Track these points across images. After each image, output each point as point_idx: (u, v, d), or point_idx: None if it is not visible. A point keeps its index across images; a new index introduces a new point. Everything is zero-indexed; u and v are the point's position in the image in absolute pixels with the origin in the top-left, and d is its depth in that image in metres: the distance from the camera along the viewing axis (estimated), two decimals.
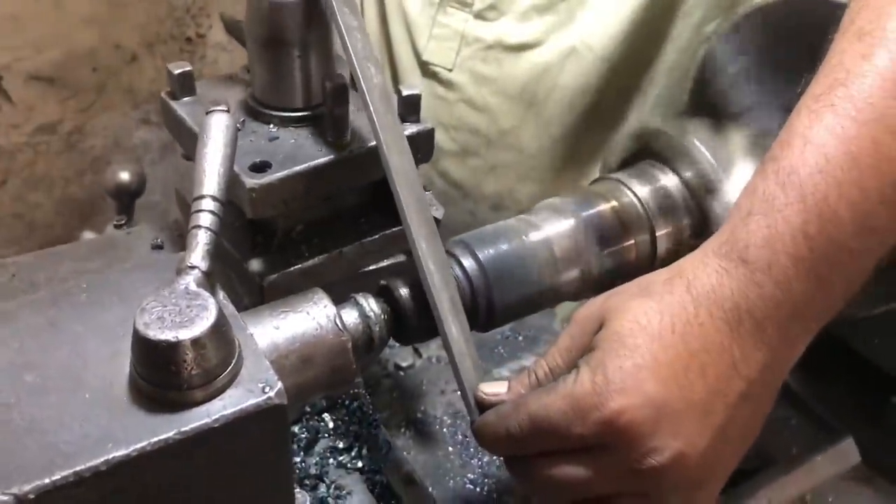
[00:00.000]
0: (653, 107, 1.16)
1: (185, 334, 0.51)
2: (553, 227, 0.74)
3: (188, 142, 0.79)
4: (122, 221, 1.08)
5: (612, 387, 0.57)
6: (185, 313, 0.52)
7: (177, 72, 0.80)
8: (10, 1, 1.84)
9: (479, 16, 1.14)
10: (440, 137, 1.21)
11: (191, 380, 0.52)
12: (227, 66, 2.16)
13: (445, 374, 1.04)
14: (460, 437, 0.97)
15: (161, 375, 0.52)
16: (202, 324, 0.52)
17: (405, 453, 0.93)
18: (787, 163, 0.60)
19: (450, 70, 1.17)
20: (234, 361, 0.54)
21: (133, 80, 2.11)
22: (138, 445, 0.50)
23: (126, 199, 1.14)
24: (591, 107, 1.15)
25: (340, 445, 0.86)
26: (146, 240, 0.87)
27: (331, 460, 0.85)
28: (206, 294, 0.54)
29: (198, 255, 0.56)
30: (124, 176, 1.13)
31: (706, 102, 0.92)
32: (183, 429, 0.51)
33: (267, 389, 0.54)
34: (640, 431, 0.57)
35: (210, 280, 0.57)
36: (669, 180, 0.78)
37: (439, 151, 1.20)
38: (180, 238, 0.88)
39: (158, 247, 0.86)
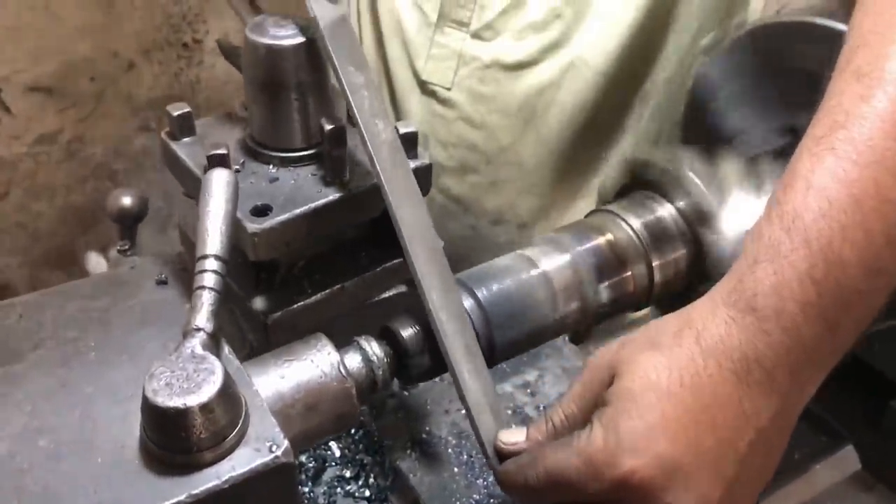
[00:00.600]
0: (649, 120, 1.17)
1: (194, 400, 0.52)
2: (551, 263, 0.75)
3: (188, 181, 0.80)
4: (126, 246, 1.09)
5: (623, 447, 0.59)
6: (193, 378, 0.53)
7: (176, 113, 0.80)
8: (6, 13, 1.84)
9: (477, 35, 1.15)
10: (439, 154, 1.21)
11: (200, 443, 0.53)
12: (223, 71, 2.16)
13: (449, 394, 1.05)
14: (465, 457, 0.98)
15: (171, 440, 0.53)
16: (209, 388, 0.53)
17: (411, 475, 0.94)
18: (791, 207, 0.61)
19: (448, 89, 1.18)
20: (241, 421, 0.56)
21: (131, 88, 2.11)
22: None
23: (129, 224, 1.15)
24: (589, 121, 1.16)
25: (347, 474, 0.87)
26: (150, 275, 0.88)
27: (338, 489, 0.86)
28: (212, 357, 0.55)
29: (202, 316, 0.58)
30: (126, 201, 1.14)
31: (699, 125, 0.93)
32: (193, 492, 0.53)
33: (274, 448, 0.55)
34: (653, 489, 0.58)
35: (215, 339, 0.58)
36: (664, 211, 0.79)
37: (439, 168, 1.21)
38: (183, 272, 0.89)
39: (163, 282, 0.87)
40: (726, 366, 0.60)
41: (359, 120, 0.72)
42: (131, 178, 2.20)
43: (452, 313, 0.70)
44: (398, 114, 1.25)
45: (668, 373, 0.60)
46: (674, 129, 1.23)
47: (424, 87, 1.20)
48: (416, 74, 1.20)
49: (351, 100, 0.72)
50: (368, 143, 0.72)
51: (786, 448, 0.64)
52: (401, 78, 1.22)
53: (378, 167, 0.71)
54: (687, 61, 1.16)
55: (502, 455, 0.68)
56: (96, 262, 1.18)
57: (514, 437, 0.68)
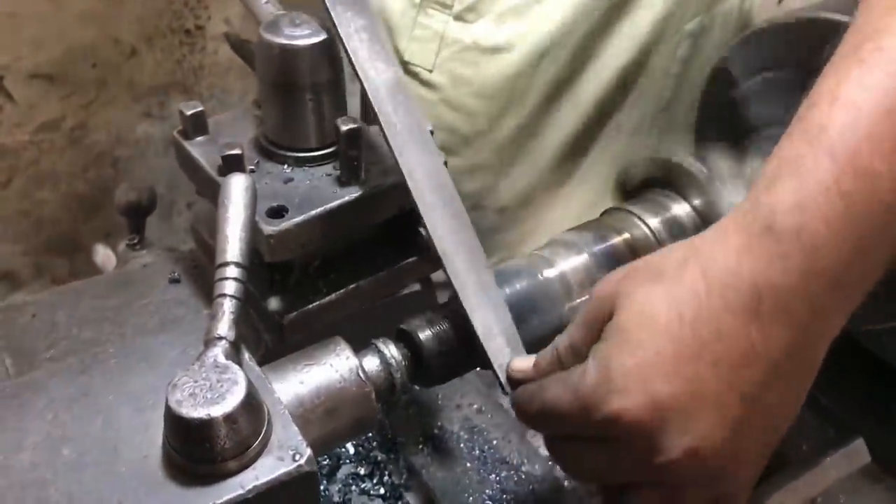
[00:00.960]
0: (630, 106, 1.18)
1: (218, 411, 0.52)
2: (568, 263, 0.75)
3: (202, 181, 0.80)
4: (135, 241, 1.09)
5: (612, 386, 0.57)
6: (216, 388, 0.53)
7: (189, 112, 0.80)
8: (7, 0, 1.83)
9: (459, 17, 1.15)
10: None
11: (224, 453, 0.53)
12: (226, 57, 2.15)
13: (461, 389, 1.05)
14: (477, 451, 0.98)
15: (195, 450, 0.53)
16: (233, 399, 0.53)
17: (424, 471, 0.94)
18: (816, 121, 0.57)
19: (430, 71, 1.18)
20: (264, 430, 0.56)
21: (133, 75, 2.10)
22: None
23: (137, 218, 1.15)
24: (568, 106, 1.17)
25: (362, 472, 0.87)
26: (163, 273, 0.88)
27: (353, 487, 0.86)
28: (235, 367, 0.55)
29: (224, 325, 0.57)
30: (134, 196, 1.14)
31: (717, 118, 0.92)
32: (217, 502, 0.53)
33: (297, 457, 0.55)
34: (644, 431, 0.56)
35: (236, 347, 0.58)
36: (681, 209, 0.79)
37: None
38: (195, 270, 0.89)
39: (175, 280, 0.87)
40: (733, 298, 0.55)
41: (355, 64, 0.71)
42: (134, 165, 2.19)
43: (461, 241, 0.70)
44: None
45: (667, 307, 0.57)
46: (657, 116, 1.23)
47: (407, 69, 1.19)
48: (398, 55, 1.19)
49: (346, 45, 0.71)
50: (366, 87, 0.70)
51: (809, 386, 0.59)
52: None
53: (377, 109, 0.70)
54: (670, 46, 1.17)
55: (513, 382, 0.68)
56: (104, 255, 1.17)
57: (523, 364, 0.68)
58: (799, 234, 0.55)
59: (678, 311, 0.57)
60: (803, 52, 0.83)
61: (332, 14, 0.72)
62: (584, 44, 1.14)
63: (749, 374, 0.56)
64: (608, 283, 0.62)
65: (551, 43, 1.13)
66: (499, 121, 1.19)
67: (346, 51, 0.72)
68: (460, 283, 0.70)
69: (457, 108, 1.19)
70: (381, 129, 0.72)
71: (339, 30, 0.72)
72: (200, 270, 0.88)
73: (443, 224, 0.71)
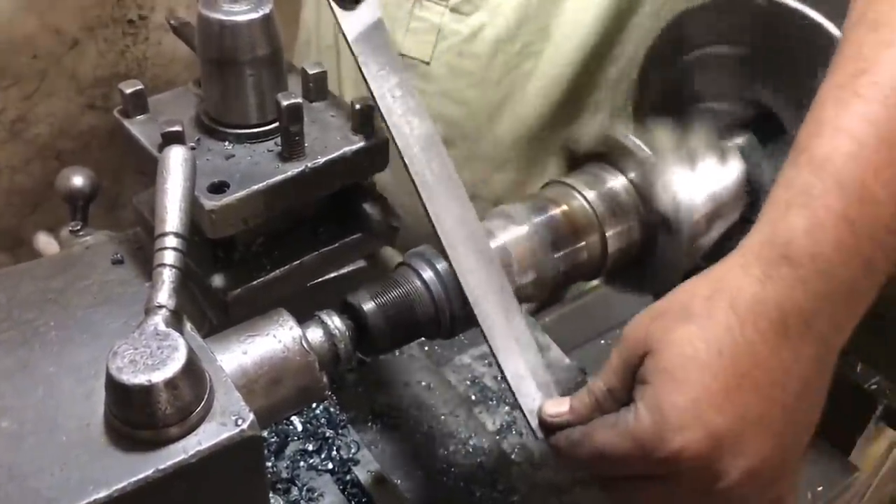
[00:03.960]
0: (623, 98, 1.19)
1: (159, 376, 0.53)
2: (508, 234, 0.76)
3: (142, 159, 0.80)
4: (78, 227, 1.08)
5: (670, 425, 0.60)
6: (157, 355, 0.54)
7: (128, 91, 0.80)
8: None
9: (455, 9, 1.15)
10: None
11: (166, 419, 0.54)
12: (171, 48, 2.12)
13: (408, 366, 1.06)
14: (425, 427, 1.00)
15: (137, 416, 0.54)
16: (174, 364, 0.53)
17: (372, 447, 0.95)
18: (820, 151, 0.62)
19: (427, 63, 1.18)
20: (206, 396, 0.56)
21: (76, 66, 2.06)
22: (119, 486, 0.52)
23: (80, 203, 1.14)
24: (566, 94, 1.18)
25: (310, 448, 0.88)
26: (106, 255, 0.87)
27: (301, 463, 0.87)
28: (176, 333, 0.55)
29: (164, 293, 0.58)
30: (77, 180, 1.12)
31: (660, 81, 0.93)
32: (160, 466, 0.53)
33: (240, 422, 0.56)
34: (704, 462, 0.60)
35: (177, 316, 0.59)
36: (617, 182, 0.81)
37: None
38: (139, 251, 0.88)
39: (119, 261, 0.86)
40: (763, 326, 0.60)
41: (388, 123, 0.73)
42: (78, 157, 2.15)
43: (491, 285, 0.71)
44: None
45: (706, 345, 0.61)
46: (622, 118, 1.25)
47: (404, 61, 1.20)
48: (395, 48, 1.20)
49: (380, 105, 0.73)
50: (398, 143, 0.72)
51: (829, 386, 0.64)
52: None
53: (409, 161, 0.72)
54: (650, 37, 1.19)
55: (547, 426, 0.69)
56: (46, 243, 1.16)
57: (557, 408, 0.69)
58: (814, 259, 0.60)
59: (717, 347, 0.61)
60: (736, 29, 0.85)
61: (365, 73, 0.74)
62: (587, 37, 1.14)
63: (785, 391, 0.61)
64: (638, 327, 0.65)
65: (551, 33, 1.14)
66: (497, 112, 1.20)
67: (378, 110, 0.74)
68: (489, 327, 0.71)
69: (455, 100, 1.20)
70: (413, 182, 0.72)
71: (373, 90, 0.74)
72: (144, 252, 0.87)
73: (473, 272, 0.71)
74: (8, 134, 2.03)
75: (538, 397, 0.70)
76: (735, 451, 0.61)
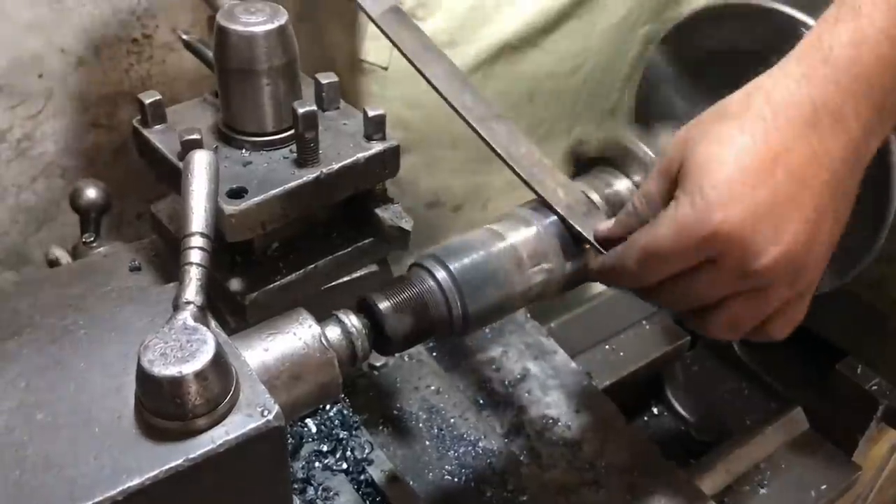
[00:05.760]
0: (584, 106, 1.21)
1: (188, 368, 0.55)
2: (518, 236, 0.78)
3: (162, 167, 0.82)
4: (91, 239, 1.10)
5: (710, 202, 0.65)
6: (186, 348, 0.56)
7: (148, 101, 0.82)
8: None
9: (411, 14, 1.17)
10: None
11: (195, 410, 0.56)
12: (175, 66, 2.15)
13: (418, 371, 1.08)
14: (436, 430, 1.02)
15: (167, 408, 0.55)
16: (203, 357, 0.55)
17: (385, 450, 0.97)
18: None
19: (385, 69, 1.20)
20: (232, 389, 0.58)
21: (81, 85, 2.09)
22: (151, 474, 0.54)
23: (94, 216, 1.16)
24: (523, 97, 1.20)
25: (324, 448, 0.90)
26: (123, 262, 0.89)
27: (316, 463, 0.89)
28: (204, 328, 0.57)
29: (192, 290, 0.60)
30: (91, 193, 1.15)
31: (649, 112, 0.97)
32: (190, 456, 0.55)
33: (265, 413, 0.58)
34: (742, 237, 0.65)
35: (204, 312, 0.61)
36: (622, 185, 0.83)
37: None
38: (156, 258, 0.90)
39: (136, 269, 0.88)
40: (795, 116, 0.66)
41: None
42: (82, 175, 2.17)
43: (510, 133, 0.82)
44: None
45: (740, 132, 0.66)
46: (605, 115, 1.28)
47: (361, 67, 1.22)
48: (352, 54, 1.22)
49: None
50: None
51: (855, 195, 0.70)
52: (338, 60, 1.23)
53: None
54: (622, 48, 1.22)
55: (600, 242, 0.77)
56: (60, 256, 1.18)
57: (605, 224, 0.77)
58: (852, 64, 0.65)
59: (751, 134, 0.66)
60: (742, 33, 0.88)
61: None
62: (540, 42, 1.17)
63: (816, 177, 0.66)
64: (678, 136, 0.71)
65: (507, 38, 1.16)
66: (455, 115, 1.22)
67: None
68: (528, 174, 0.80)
69: (414, 105, 1.21)
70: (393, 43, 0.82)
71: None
72: (161, 259, 0.89)
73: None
74: (14, 152, 2.06)
75: (588, 224, 0.77)
76: (770, 231, 0.65)
